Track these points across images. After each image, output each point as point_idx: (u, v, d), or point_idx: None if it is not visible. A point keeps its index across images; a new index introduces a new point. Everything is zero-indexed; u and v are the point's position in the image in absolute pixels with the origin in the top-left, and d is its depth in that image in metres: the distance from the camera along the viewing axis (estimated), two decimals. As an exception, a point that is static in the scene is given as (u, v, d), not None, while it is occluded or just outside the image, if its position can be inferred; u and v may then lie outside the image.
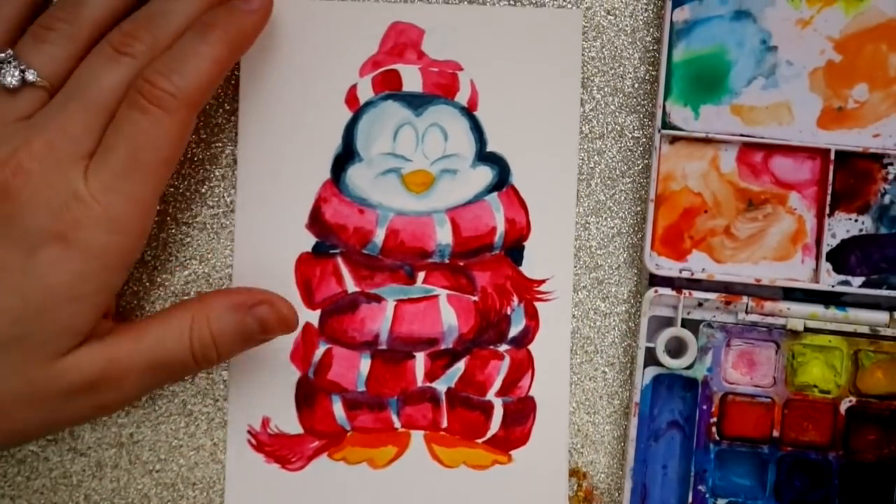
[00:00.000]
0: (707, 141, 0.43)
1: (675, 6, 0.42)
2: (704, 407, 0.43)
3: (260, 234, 0.44)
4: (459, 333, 0.44)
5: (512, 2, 0.44)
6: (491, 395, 0.44)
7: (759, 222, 0.43)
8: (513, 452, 0.44)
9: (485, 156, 0.43)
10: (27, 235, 0.37)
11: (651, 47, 0.44)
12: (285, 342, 0.43)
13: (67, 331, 0.38)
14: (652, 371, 0.43)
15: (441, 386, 0.44)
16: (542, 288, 0.44)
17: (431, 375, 0.44)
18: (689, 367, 0.43)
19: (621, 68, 0.44)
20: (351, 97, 0.43)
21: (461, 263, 0.44)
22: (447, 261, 0.44)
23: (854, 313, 0.42)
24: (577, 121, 0.44)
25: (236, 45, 0.40)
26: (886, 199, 0.43)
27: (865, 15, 0.42)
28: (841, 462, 0.43)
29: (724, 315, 0.43)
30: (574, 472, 0.44)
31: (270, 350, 0.43)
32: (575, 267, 0.44)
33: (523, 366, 0.44)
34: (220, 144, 0.44)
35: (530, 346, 0.44)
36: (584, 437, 0.44)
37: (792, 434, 0.43)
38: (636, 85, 0.44)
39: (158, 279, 0.44)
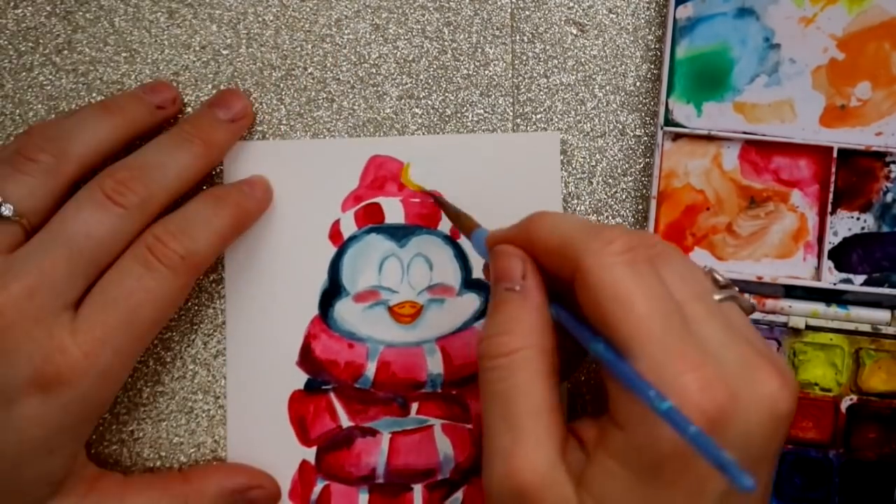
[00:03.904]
0: (709, 138, 0.43)
1: (678, 3, 0.42)
2: (706, 404, 0.43)
3: (252, 374, 0.43)
4: (456, 463, 0.43)
5: (488, 128, 0.44)
6: None
7: (761, 220, 0.43)
8: None
9: (471, 283, 0.44)
10: (5, 387, 0.35)
11: (653, 45, 0.44)
12: (283, 480, 0.43)
13: (43, 481, 0.37)
14: (653, 368, 0.43)
15: None
16: None
17: None
18: (691, 364, 0.43)
19: (623, 66, 0.44)
20: (334, 232, 0.44)
21: (454, 392, 0.43)
22: (440, 390, 0.43)
23: (855, 311, 0.42)
24: None
25: (241, 223, 0.41)
26: (888, 198, 0.43)
27: (868, 13, 0.42)
28: (841, 460, 0.43)
29: (725, 313, 0.43)
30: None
31: None
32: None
33: None
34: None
35: None
36: (584, 435, 0.44)
37: (792, 432, 0.43)
38: (638, 83, 0.44)
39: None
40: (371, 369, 0.43)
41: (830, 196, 0.42)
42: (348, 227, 0.44)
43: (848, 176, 0.43)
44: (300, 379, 0.43)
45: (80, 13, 0.44)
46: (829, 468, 0.43)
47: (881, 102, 0.42)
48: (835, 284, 0.43)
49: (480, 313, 0.44)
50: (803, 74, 0.42)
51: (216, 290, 0.44)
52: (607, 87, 0.44)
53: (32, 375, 0.35)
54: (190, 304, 0.44)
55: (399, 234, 0.44)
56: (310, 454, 0.43)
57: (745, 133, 0.42)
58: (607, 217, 0.44)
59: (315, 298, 0.44)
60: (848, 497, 0.43)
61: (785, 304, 0.42)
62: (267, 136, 0.44)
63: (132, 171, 0.38)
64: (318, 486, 0.43)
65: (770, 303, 0.42)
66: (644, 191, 0.44)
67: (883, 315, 0.42)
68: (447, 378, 0.43)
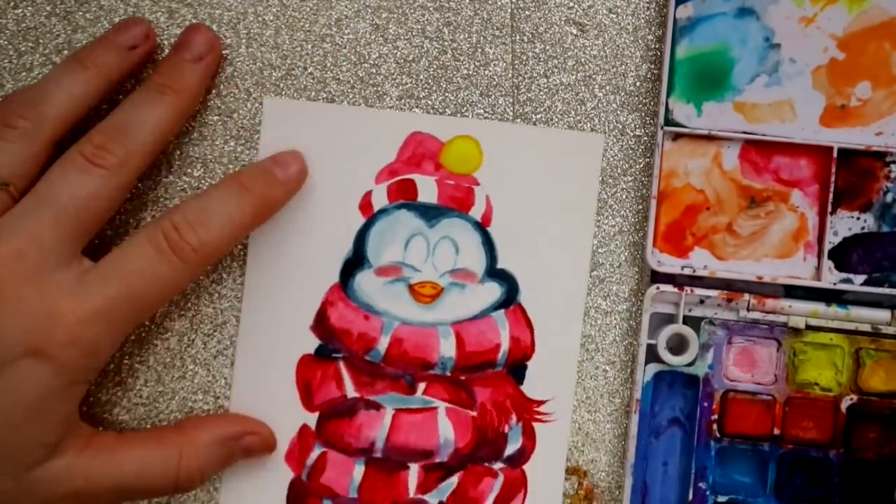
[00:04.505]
0: (710, 138, 0.43)
1: (678, 3, 0.42)
2: (705, 404, 0.43)
3: (264, 332, 0.43)
4: (455, 447, 0.43)
5: (534, 121, 0.44)
6: None
7: (761, 220, 0.43)
8: None
9: (495, 272, 0.43)
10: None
11: (653, 45, 0.44)
12: (282, 442, 0.43)
13: (37, 443, 0.37)
14: (653, 368, 0.43)
15: (433, 499, 0.43)
16: (542, 409, 0.43)
17: (424, 488, 0.43)
18: (691, 364, 0.43)
19: (623, 66, 0.44)
20: (365, 203, 0.43)
21: (462, 377, 0.43)
22: (449, 374, 0.43)
23: (855, 311, 0.42)
24: (591, 246, 0.44)
25: (265, 212, 0.41)
26: (888, 198, 0.43)
27: (868, 13, 0.42)
28: (842, 460, 0.43)
29: (725, 312, 0.43)
30: (575, 471, 0.44)
31: None
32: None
33: (516, 486, 0.43)
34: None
35: (525, 467, 0.43)
36: (584, 436, 0.44)
37: (793, 432, 0.43)
38: (638, 83, 0.44)
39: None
40: (383, 343, 0.43)
41: (830, 196, 0.42)
42: (380, 200, 0.43)
43: (848, 176, 0.43)
44: (312, 343, 0.43)
45: (80, 13, 0.44)
46: (830, 468, 0.43)
47: (881, 102, 0.42)
48: (835, 284, 0.43)
49: (500, 303, 0.43)
50: (803, 74, 0.42)
51: (216, 291, 0.44)
52: (607, 87, 0.44)
53: (24, 336, 0.36)
54: (190, 304, 0.44)
55: (430, 213, 0.43)
56: (311, 419, 0.43)
57: (745, 133, 0.42)
58: (607, 217, 0.44)
59: (337, 266, 0.43)
60: (848, 497, 0.43)
61: (785, 304, 0.42)
62: (267, 135, 0.44)
63: (109, 133, 0.39)
64: (315, 452, 0.43)
65: (770, 302, 0.42)
66: (644, 191, 0.44)
67: (883, 315, 0.42)
68: (458, 363, 0.43)
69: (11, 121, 0.38)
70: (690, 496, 0.43)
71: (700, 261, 0.43)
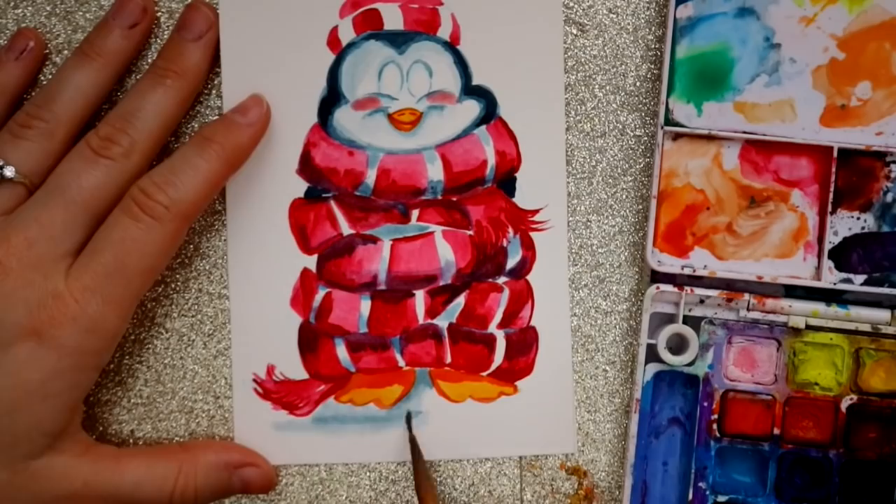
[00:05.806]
0: (710, 138, 0.43)
1: (678, 3, 0.42)
2: (705, 404, 0.43)
3: (251, 183, 0.43)
4: (457, 268, 0.44)
5: None
6: (493, 328, 0.44)
7: (761, 219, 0.43)
8: (518, 383, 0.44)
9: (471, 89, 0.43)
10: (2, 331, 0.37)
11: (653, 45, 0.44)
12: (284, 289, 0.43)
13: (38, 430, 0.38)
14: (653, 368, 0.43)
15: (442, 322, 0.44)
16: (537, 218, 0.44)
17: (432, 312, 0.44)
18: (691, 363, 0.43)
19: (623, 66, 0.44)
20: (333, 39, 0.43)
21: (454, 199, 0.44)
22: (440, 197, 0.44)
23: (855, 311, 0.42)
24: (561, 48, 0.44)
25: (233, 159, 0.41)
26: (889, 198, 0.43)
27: (869, 13, 0.42)
28: (841, 460, 0.43)
29: (725, 312, 0.43)
30: (575, 471, 0.44)
31: (270, 298, 0.44)
32: (576, 265, 0.44)
33: (523, 296, 0.44)
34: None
35: (528, 277, 0.44)
36: (584, 436, 0.44)
37: (793, 432, 0.43)
38: (638, 83, 0.44)
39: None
40: (371, 176, 0.43)
41: (830, 196, 0.42)
42: (346, 34, 0.43)
43: (848, 176, 0.43)
44: (300, 187, 0.43)
45: (80, 13, 0.44)
46: (830, 468, 0.43)
47: (881, 102, 0.42)
48: (835, 284, 0.43)
49: (480, 120, 0.43)
50: (803, 74, 0.42)
51: (217, 291, 0.44)
52: (607, 87, 0.44)
53: (27, 318, 0.37)
54: (190, 304, 0.44)
55: (398, 40, 0.43)
56: (310, 262, 0.44)
57: (745, 133, 0.42)
58: (608, 217, 0.44)
59: (314, 106, 0.43)
60: (848, 497, 0.43)
61: (785, 303, 0.42)
62: None
63: (114, 124, 0.40)
64: (320, 294, 0.44)
65: (770, 302, 0.42)
66: (644, 190, 0.44)
67: (883, 315, 0.42)
68: (447, 185, 0.44)
69: (27, 121, 0.40)
70: (690, 496, 0.43)
71: (700, 261, 0.43)
